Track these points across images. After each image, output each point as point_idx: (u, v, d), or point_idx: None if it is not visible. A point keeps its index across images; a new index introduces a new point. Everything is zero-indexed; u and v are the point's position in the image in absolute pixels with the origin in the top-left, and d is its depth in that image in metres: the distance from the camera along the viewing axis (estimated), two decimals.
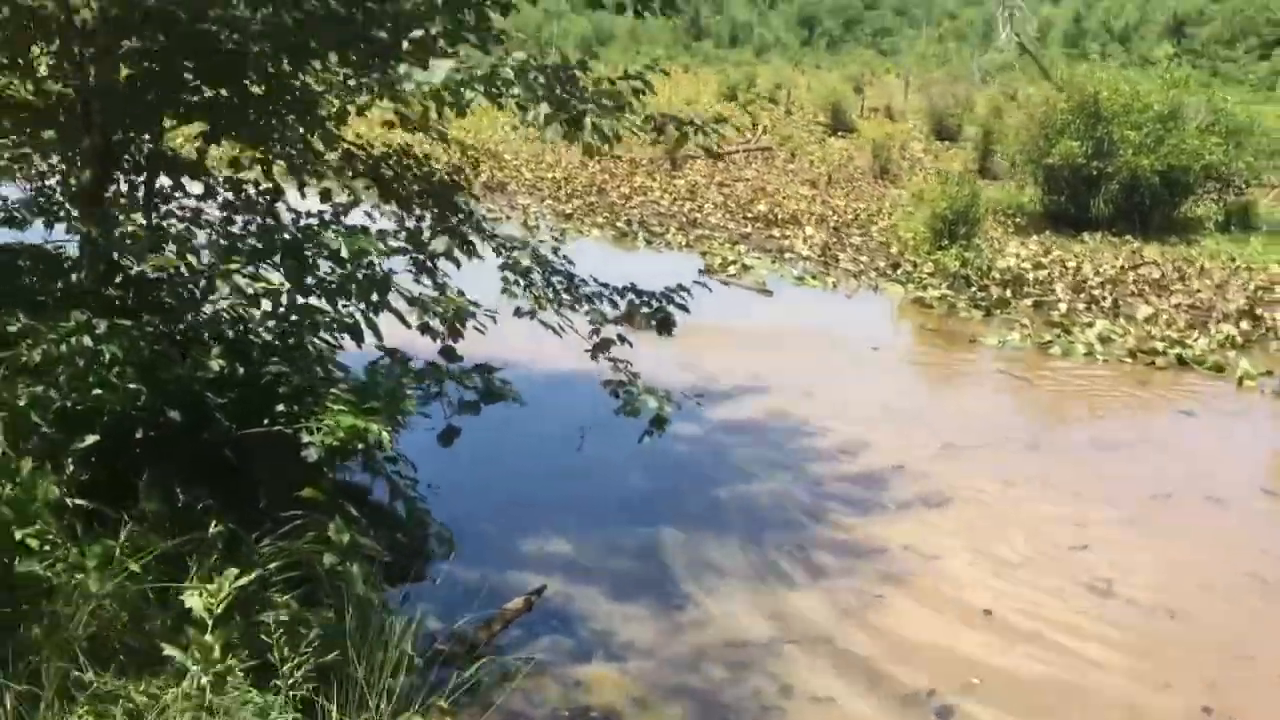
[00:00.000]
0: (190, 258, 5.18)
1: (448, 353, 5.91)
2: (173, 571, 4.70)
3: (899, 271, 16.35)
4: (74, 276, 6.45)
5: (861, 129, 34.89)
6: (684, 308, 7.05)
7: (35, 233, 6.81)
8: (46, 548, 4.48)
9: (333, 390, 5.08)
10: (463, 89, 4.85)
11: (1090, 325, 13.38)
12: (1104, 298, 15.06)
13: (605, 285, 7.14)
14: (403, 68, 5.38)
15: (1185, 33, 77.54)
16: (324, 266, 5.57)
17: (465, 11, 5.99)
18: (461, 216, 6.77)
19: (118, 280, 5.94)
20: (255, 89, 6.10)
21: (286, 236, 5.49)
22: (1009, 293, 15.07)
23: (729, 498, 8.06)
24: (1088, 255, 17.90)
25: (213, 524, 4.97)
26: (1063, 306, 14.46)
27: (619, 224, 19.48)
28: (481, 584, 6.44)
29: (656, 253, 17.60)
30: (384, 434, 4.88)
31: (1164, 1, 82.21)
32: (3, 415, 4.96)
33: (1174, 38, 76.53)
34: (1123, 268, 16.98)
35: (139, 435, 5.16)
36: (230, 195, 6.68)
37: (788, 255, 17.52)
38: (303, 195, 6.00)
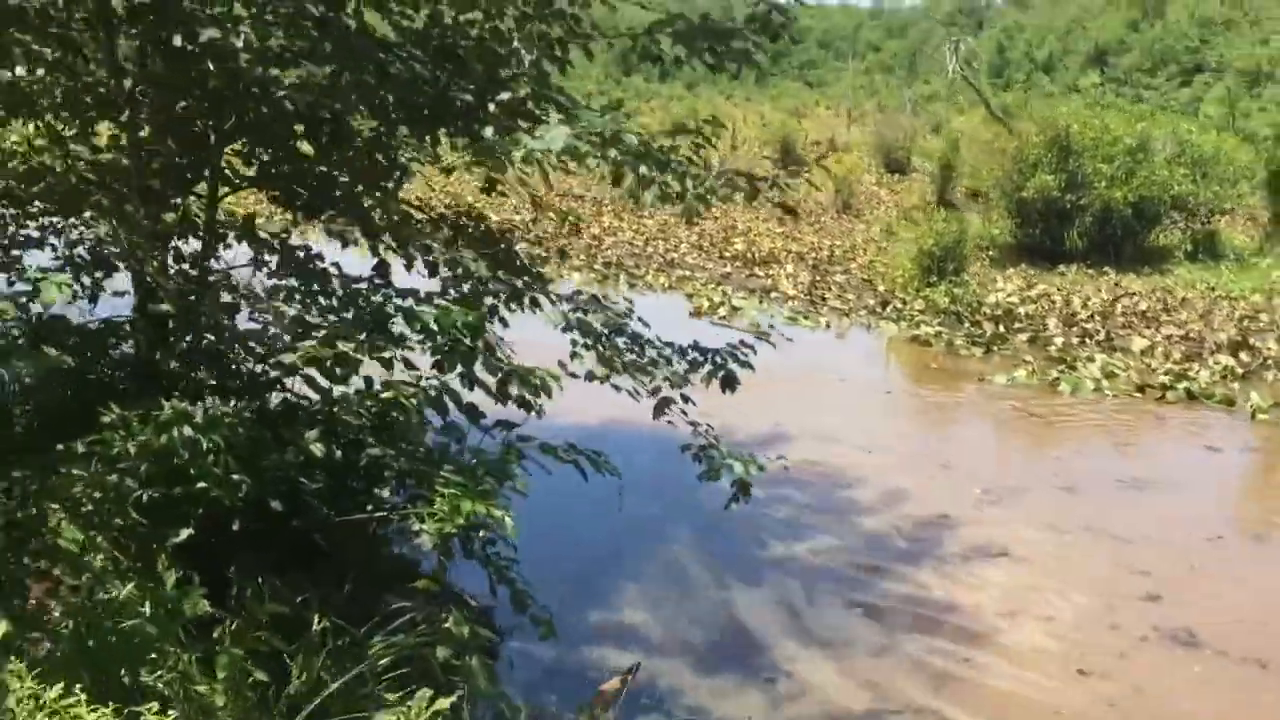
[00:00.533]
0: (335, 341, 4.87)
1: (470, 410, 5.68)
2: (273, 670, 4.41)
3: (889, 309, 16.29)
4: (118, 354, 6.14)
5: (814, 164, 34.96)
6: (748, 365, 6.89)
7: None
8: (153, 655, 4.17)
9: (441, 473, 4.81)
10: (587, 155, 4.63)
11: (1090, 360, 13.38)
12: (1096, 331, 15.11)
13: (670, 344, 6.95)
14: (489, 131, 5.19)
15: (1108, 62, 79.48)
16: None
17: (529, 66, 5.81)
18: (528, 280, 6.53)
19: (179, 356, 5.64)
20: (310, 147, 5.86)
21: (380, 308, 5.22)
22: (1002, 328, 15.06)
23: (785, 556, 7.85)
24: (1069, 288, 18.00)
25: (315, 619, 4.68)
26: (1058, 341, 14.47)
27: (597, 266, 19.24)
28: (558, 662, 6.19)
29: (640, 295, 17.29)
30: (506, 518, 4.62)
31: (1085, 32, 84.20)
32: (86, 509, 4.67)
33: (1097, 67, 78.43)
34: (1108, 300, 17.08)
35: (235, 527, 4.83)
36: (284, 260, 6.39)
37: (774, 295, 17.40)
38: (408, 268, 5.73)
